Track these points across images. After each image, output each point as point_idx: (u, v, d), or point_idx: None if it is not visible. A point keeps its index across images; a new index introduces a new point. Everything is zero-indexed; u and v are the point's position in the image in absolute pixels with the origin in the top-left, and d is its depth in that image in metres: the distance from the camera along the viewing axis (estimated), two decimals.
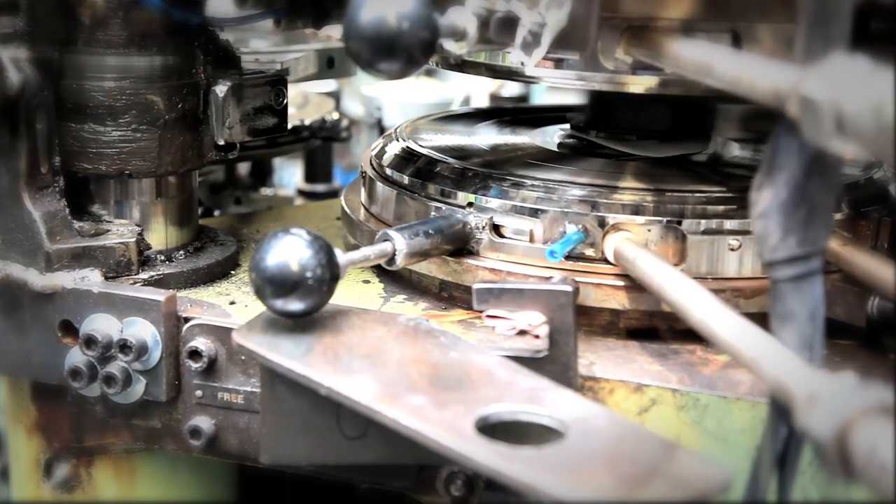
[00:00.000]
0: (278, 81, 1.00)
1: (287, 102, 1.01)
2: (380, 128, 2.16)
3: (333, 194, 1.73)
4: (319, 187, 1.81)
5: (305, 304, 0.74)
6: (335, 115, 1.55)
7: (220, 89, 0.95)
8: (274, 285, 0.73)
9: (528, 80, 0.95)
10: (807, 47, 0.57)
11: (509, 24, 0.74)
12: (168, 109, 0.92)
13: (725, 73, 0.65)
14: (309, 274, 0.73)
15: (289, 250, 0.73)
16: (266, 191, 1.64)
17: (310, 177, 1.83)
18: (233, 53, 1.00)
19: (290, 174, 2.22)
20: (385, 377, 0.69)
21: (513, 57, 0.75)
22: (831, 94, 0.52)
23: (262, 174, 1.67)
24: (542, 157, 1.01)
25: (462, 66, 0.94)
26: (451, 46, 0.73)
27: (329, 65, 1.35)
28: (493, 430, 0.65)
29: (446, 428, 0.63)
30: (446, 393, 0.68)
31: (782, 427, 0.62)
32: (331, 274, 0.74)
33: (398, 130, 1.10)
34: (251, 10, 1.02)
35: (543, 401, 0.67)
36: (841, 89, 0.51)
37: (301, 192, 1.81)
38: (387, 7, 0.69)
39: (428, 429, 0.63)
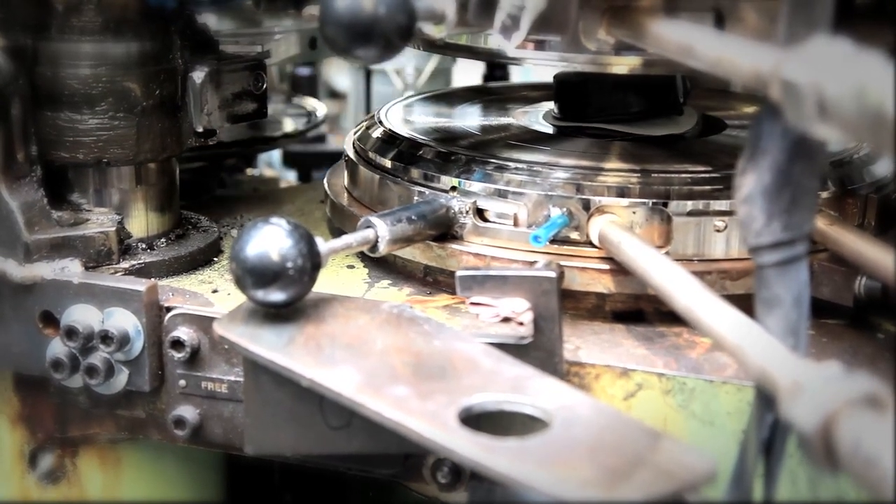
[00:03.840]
0: (257, 66, 0.99)
1: (266, 87, 1.00)
2: (367, 103, 2.15)
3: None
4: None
5: (287, 295, 0.73)
6: (318, 110, 1.54)
7: (198, 75, 0.94)
8: (254, 276, 0.72)
9: (511, 62, 0.94)
10: (789, 29, 0.56)
11: (488, 6, 0.72)
12: (145, 96, 0.91)
13: (707, 55, 0.64)
14: (290, 264, 0.72)
15: (269, 240, 0.72)
16: (251, 171, 1.62)
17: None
18: (211, 38, 0.98)
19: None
20: (367, 367, 0.69)
21: (492, 41, 0.74)
22: (812, 77, 0.51)
23: (247, 155, 1.66)
24: (528, 139, 1.00)
25: (444, 48, 0.93)
26: (430, 30, 0.72)
27: (312, 45, 1.33)
28: (478, 420, 0.64)
29: (429, 420, 0.62)
30: (429, 383, 0.67)
31: (768, 413, 0.61)
32: (312, 263, 0.73)
33: (381, 112, 1.09)
34: None
35: (527, 389, 0.66)
36: (822, 72, 0.50)
37: (287, 156, 1.79)
38: None
39: (411, 421, 0.62)
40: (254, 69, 0.99)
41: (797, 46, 0.53)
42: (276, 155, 2.15)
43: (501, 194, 0.87)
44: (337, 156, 1.09)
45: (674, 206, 0.84)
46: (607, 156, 0.93)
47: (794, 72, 0.52)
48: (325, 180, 1.07)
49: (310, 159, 1.84)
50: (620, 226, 0.83)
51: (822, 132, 0.51)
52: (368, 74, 2.08)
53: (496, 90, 1.28)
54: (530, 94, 1.20)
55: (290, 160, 1.91)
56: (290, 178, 1.92)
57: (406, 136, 0.99)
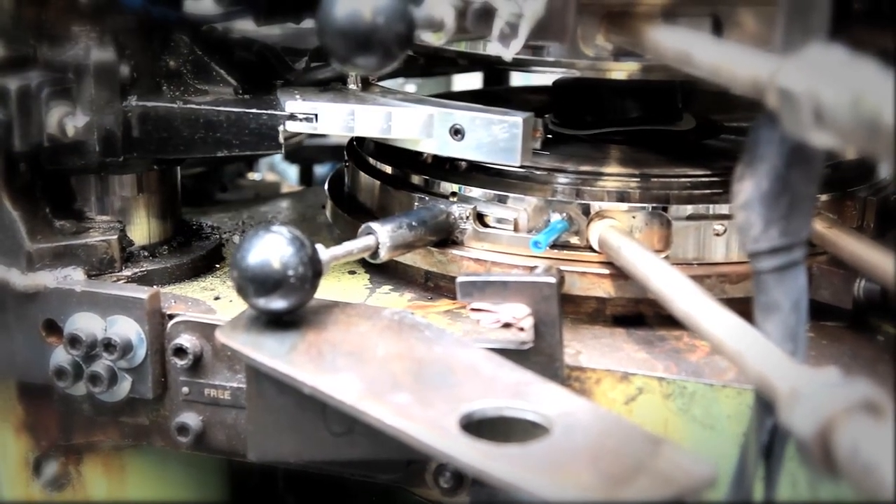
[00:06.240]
0: None
1: None
2: None
3: None
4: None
5: (288, 302, 0.73)
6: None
7: None
8: (256, 284, 0.72)
9: (508, 68, 0.94)
10: (786, 37, 0.57)
11: (487, 14, 0.73)
12: None
13: (704, 62, 0.64)
14: (291, 272, 0.72)
15: (270, 248, 0.72)
16: (253, 175, 1.62)
17: None
18: None
19: None
20: (369, 374, 0.69)
21: (490, 49, 0.74)
22: (809, 85, 0.51)
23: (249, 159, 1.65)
24: None
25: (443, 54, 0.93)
26: (429, 38, 0.72)
27: None
28: (479, 426, 0.65)
29: (430, 427, 0.63)
30: (430, 389, 0.67)
31: (768, 417, 0.61)
32: (313, 271, 0.74)
33: None
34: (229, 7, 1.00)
35: (528, 395, 0.67)
36: (818, 80, 0.51)
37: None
38: (361, 1, 0.68)
39: (412, 428, 0.63)
40: None
41: (793, 54, 0.54)
42: (278, 158, 2.15)
43: (501, 200, 0.88)
44: (338, 149, 1.09)
45: (673, 210, 0.85)
46: (607, 160, 0.94)
47: (790, 79, 0.52)
48: (325, 186, 1.07)
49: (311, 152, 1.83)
50: (620, 230, 0.83)
51: (819, 140, 0.51)
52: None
53: (496, 94, 1.28)
54: (531, 97, 1.20)
55: (290, 155, 1.90)
56: (290, 172, 1.92)
57: None
